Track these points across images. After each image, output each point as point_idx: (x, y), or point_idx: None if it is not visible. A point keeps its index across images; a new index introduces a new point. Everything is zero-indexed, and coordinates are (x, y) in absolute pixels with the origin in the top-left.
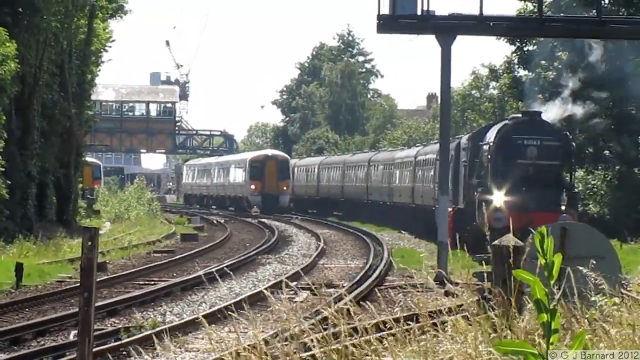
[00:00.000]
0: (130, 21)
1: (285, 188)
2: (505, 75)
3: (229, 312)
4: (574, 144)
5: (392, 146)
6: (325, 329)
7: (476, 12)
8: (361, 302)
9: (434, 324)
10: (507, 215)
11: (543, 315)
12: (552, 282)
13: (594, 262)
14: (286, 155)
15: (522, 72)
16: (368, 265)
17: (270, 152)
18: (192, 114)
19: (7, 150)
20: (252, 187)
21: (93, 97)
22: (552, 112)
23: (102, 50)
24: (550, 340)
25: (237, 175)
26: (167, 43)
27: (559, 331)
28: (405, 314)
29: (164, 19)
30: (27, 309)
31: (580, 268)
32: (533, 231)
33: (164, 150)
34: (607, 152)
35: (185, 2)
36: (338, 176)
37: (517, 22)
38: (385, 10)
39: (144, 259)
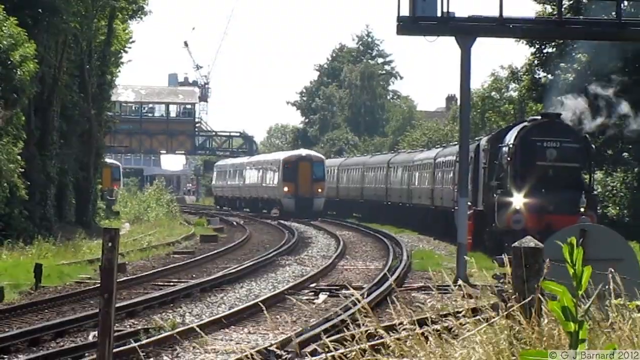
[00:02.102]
0: (149, 22)
1: (320, 190)
2: (524, 77)
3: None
4: (593, 145)
5: (412, 148)
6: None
7: (496, 14)
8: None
9: (450, 328)
10: (526, 217)
11: (570, 324)
12: (580, 292)
13: (614, 264)
14: (321, 156)
15: (541, 74)
16: (387, 267)
17: (304, 152)
18: (212, 115)
19: (27, 151)
20: (285, 189)
21: (113, 98)
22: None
23: (121, 51)
24: (577, 350)
25: (270, 177)
26: (186, 44)
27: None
28: (420, 317)
29: (183, 20)
30: (46, 310)
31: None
32: (556, 232)
33: (183, 152)
34: (626, 154)
35: (208, 2)
36: (357, 178)
37: (537, 24)
38: (405, 11)
39: (163, 260)
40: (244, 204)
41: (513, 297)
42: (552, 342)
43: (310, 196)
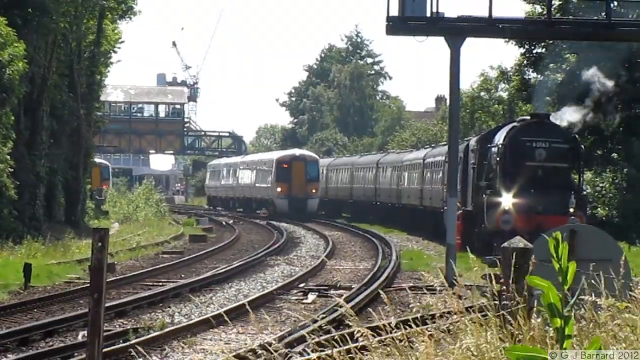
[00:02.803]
0: (138, 22)
1: (314, 191)
2: (514, 77)
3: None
4: (582, 146)
5: (401, 148)
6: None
7: (485, 14)
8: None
9: (442, 326)
10: (516, 217)
11: (557, 320)
12: (566, 287)
13: (603, 264)
14: (315, 156)
15: (531, 75)
16: (377, 267)
17: (298, 151)
18: (201, 115)
19: (16, 150)
20: (279, 189)
21: (102, 98)
22: (564, 119)
23: (111, 51)
24: (564, 346)
25: (263, 177)
26: (174, 44)
27: (572, 336)
28: (412, 316)
29: (172, 20)
30: (35, 310)
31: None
32: (542, 234)
33: (172, 151)
34: (615, 154)
35: (197, 3)
36: (346, 178)
37: (526, 24)
38: (394, 12)
39: (152, 260)
40: (237, 204)
41: (501, 297)
42: (540, 343)
43: (304, 197)
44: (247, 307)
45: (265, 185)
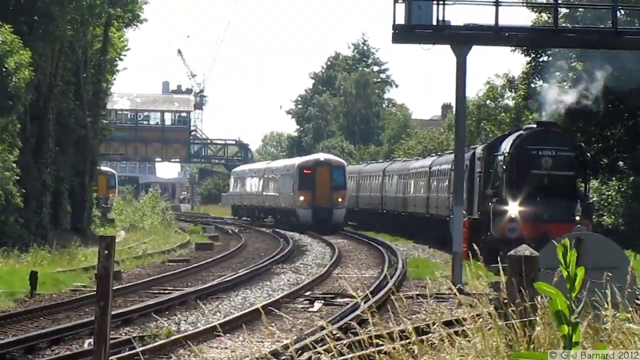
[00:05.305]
0: (143, 29)
1: (340, 200)
2: (520, 86)
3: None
4: (589, 154)
5: (407, 156)
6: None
7: (492, 22)
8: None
9: (449, 335)
10: (522, 225)
11: (564, 327)
12: (573, 295)
13: (609, 273)
14: (341, 161)
15: (537, 83)
16: (383, 275)
17: (322, 156)
18: (207, 123)
19: (22, 158)
20: (301, 198)
21: (108, 106)
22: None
23: (117, 58)
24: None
25: (286, 185)
26: (179, 52)
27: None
28: (416, 325)
29: (177, 28)
30: (41, 318)
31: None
32: (551, 240)
33: (178, 159)
34: (621, 163)
35: (203, 10)
36: (352, 186)
37: (533, 32)
38: (400, 20)
39: (158, 268)
40: (263, 214)
41: (506, 304)
42: (545, 348)
43: (329, 206)
44: (260, 311)
45: (288, 194)
